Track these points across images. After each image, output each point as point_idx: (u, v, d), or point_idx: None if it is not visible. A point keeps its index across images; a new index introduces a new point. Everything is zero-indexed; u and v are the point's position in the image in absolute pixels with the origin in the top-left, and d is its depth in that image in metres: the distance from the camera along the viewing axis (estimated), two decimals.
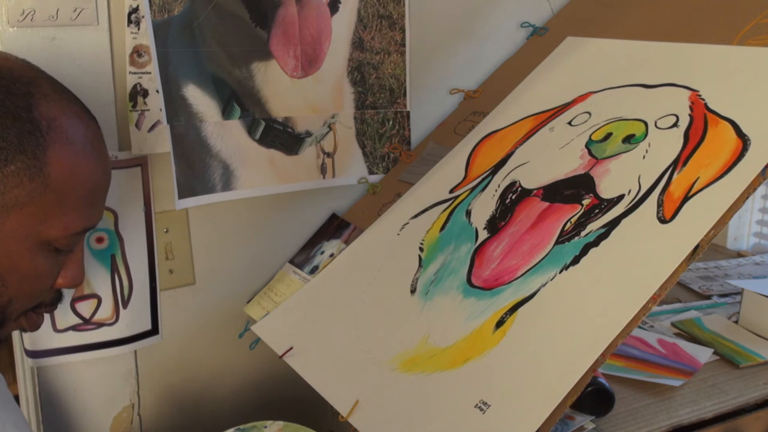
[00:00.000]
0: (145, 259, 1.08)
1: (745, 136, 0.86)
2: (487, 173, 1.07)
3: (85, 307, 1.05)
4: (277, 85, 1.13)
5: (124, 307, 1.08)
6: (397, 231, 1.09)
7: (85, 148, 0.70)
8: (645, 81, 1.03)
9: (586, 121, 1.03)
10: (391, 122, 1.24)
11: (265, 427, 0.92)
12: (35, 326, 0.77)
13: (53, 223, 0.68)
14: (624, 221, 0.87)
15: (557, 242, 0.91)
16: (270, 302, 1.14)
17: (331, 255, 1.15)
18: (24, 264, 0.69)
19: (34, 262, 0.69)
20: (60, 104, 0.69)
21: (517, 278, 0.90)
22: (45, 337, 1.03)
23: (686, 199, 0.85)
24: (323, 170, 1.20)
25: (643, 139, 0.95)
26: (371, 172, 1.24)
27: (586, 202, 0.92)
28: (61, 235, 0.70)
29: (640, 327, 1.15)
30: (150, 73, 1.03)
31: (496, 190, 1.03)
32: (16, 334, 1.06)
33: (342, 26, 1.16)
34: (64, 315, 1.04)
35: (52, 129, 0.66)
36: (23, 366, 1.06)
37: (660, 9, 1.16)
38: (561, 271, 0.87)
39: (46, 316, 0.99)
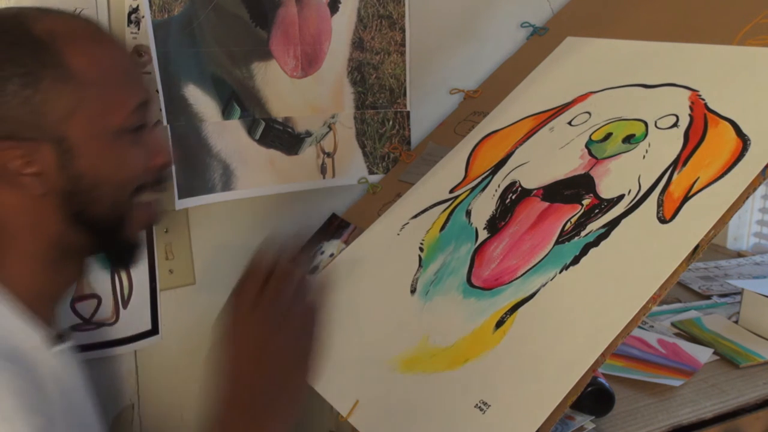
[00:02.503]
0: (145, 259, 1.08)
1: (745, 136, 0.86)
2: (487, 173, 1.07)
3: (85, 308, 1.05)
4: (277, 85, 1.13)
5: (124, 307, 1.07)
6: (397, 231, 1.09)
7: (94, 38, 0.73)
8: (645, 81, 1.03)
9: (586, 121, 1.03)
10: (391, 122, 1.24)
11: None
12: (153, 217, 0.80)
13: (108, 110, 0.71)
14: (624, 221, 0.87)
15: (557, 242, 0.91)
16: None
17: (331, 255, 1.15)
18: (110, 159, 0.72)
19: (117, 153, 0.72)
20: (50, 16, 0.72)
21: (517, 278, 0.90)
22: None
23: (686, 199, 0.85)
24: (323, 170, 1.20)
25: (643, 139, 0.95)
26: (371, 172, 1.24)
27: (586, 202, 0.92)
28: (122, 118, 0.72)
29: (640, 327, 1.15)
30: (150, 73, 1.03)
31: (496, 190, 1.03)
32: None
33: (342, 26, 1.16)
34: (64, 315, 1.04)
35: (55, 37, 0.69)
36: None
37: (660, 9, 1.16)
38: (561, 271, 0.87)
39: None
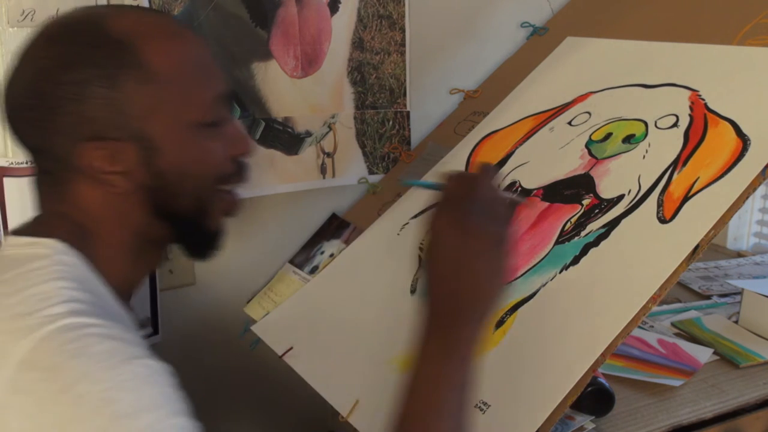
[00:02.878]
0: None
1: (745, 136, 0.86)
2: None
3: None
4: (277, 85, 1.13)
5: None
6: (397, 231, 1.09)
7: (170, 34, 0.74)
8: (645, 81, 1.03)
9: (586, 121, 1.03)
10: (391, 122, 1.24)
11: None
12: (235, 207, 0.81)
13: (188, 106, 0.73)
14: (624, 221, 0.87)
15: (557, 242, 0.91)
16: (270, 302, 1.14)
17: (331, 255, 1.15)
18: (192, 151, 0.74)
19: (200, 145, 0.74)
20: (125, 15, 0.73)
21: (517, 278, 0.90)
22: None
23: (686, 199, 0.85)
24: (323, 170, 1.20)
25: (643, 139, 0.95)
26: (371, 172, 1.24)
27: (586, 202, 0.92)
28: (202, 112, 0.74)
29: (640, 327, 1.15)
30: None
31: None
32: None
33: (342, 26, 1.16)
34: None
35: (132, 37, 0.70)
36: None
37: (660, 9, 1.16)
38: (561, 271, 0.87)
39: None
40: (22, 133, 0.73)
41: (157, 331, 1.12)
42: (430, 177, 1.11)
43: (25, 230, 0.74)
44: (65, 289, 0.65)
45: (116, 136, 0.70)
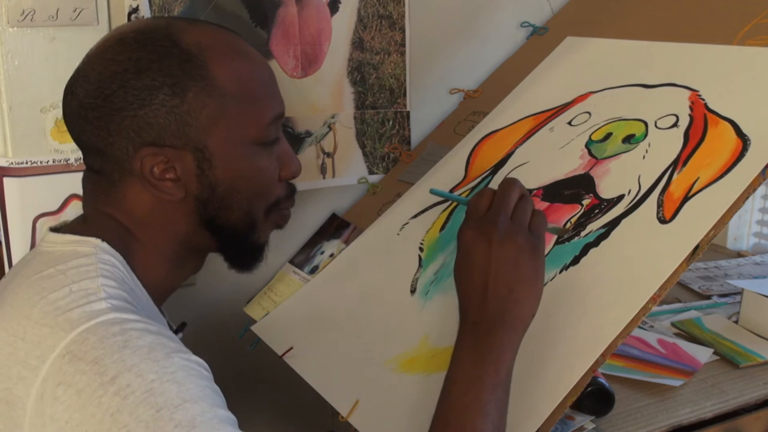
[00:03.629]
0: None
1: (745, 136, 0.86)
2: (487, 173, 1.07)
3: None
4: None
5: None
6: (397, 231, 1.09)
7: (237, 52, 0.77)
8: (645, 81, 1.03)
9: (586, 121, 1.03)
10: (391, 122, 1.24)
11: None
12: (285, 220, 0.85)
13: (247, 123, 0.76)
14: (624, 221, 0.87)
15: (557, 242, 0.91)
16: (270, 302, 1.14)
17: (331, 255, 1.15)
18: (245, 168, 0.76)
19: (252, 163, 0.77)
20: (197, 28, 0.76)
21: None
22: None
23: (686, 199, 0.85)
24: (323, 170, 1.20)
25: (643, 139, 0.95)
26: (371, 172, 1.24)
27: (586, 202, 0.92)
28: (259, 131, 0.77)
29: (640, 327, 1.15)
30: None
31: None
32: None
33: (342, 26, 1.16)
34: None
35: (202, 50, 0.73)
36: None
37: (660, 9, 1.16)
38: (561, 271, 0.87)
39: None
40: (81, 131, 0.75)
41: None
42: (450, 185, 1.11)
43: (68, 228, 0.76)
44: (107, 286, 0.67)
45: (175, 144, 0.72)
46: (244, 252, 0.83)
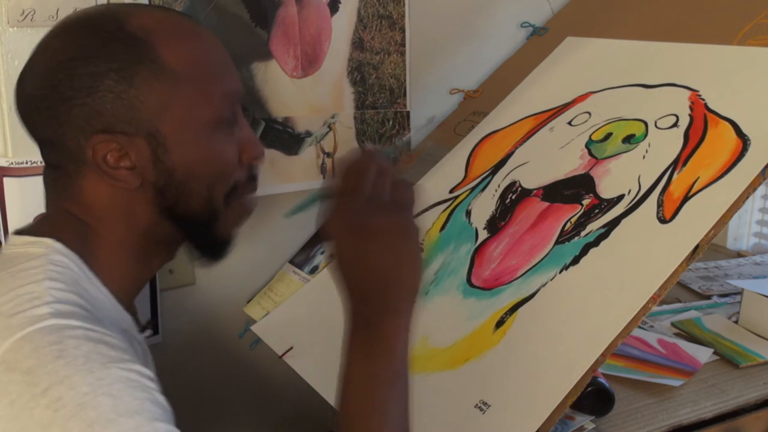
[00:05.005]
0: None
1: (745, 136, 0.86)
2: (487, 173, 1.07)
3: None
4: (277, 85, 1.13)
5: None
6: None
7: (187, 33, 0.74)
8: (645, 81, 1.03)
9: (586, 121, 1.03)
10: (391, 122, 1.24)
11: None
12: (250, 207, 0.81)
13: (199, 103, 0.73)
14: (624, 221, 0.87)
15: (557, 242, 0.91)
16: (270, 302, 1.14)
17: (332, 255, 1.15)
18: (201, 151, 0.73)
19: (209, 145, 0.74)
20: (145, 12, 0.74)
21: (517, 278, 0.90)
22: None
23: (686, 199, 0.85)
24: (323, 170, 1.20)
25: (643, 139, 0.95)
26: None
27: (586, 202, 0.92)
28: (213, 110, 0.74)
29: (640, 327, 1.15)
30: None
31: (496, 190, 1.03)
32: None
33: (342, 26, 1.16)
34: None
35: (148, 32, 0.71)
36: None
37: (660, 9, 1.16)
38: (561, 271, 0.87)
39: None
40: (33, 124, 0.73)
41: (157, 332, 1.12)
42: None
43: (28, 230, 0.73)
44: (53, 289, 0.64)
45: (127, 131, 0.70)
46: (207, 244, 0.80)
